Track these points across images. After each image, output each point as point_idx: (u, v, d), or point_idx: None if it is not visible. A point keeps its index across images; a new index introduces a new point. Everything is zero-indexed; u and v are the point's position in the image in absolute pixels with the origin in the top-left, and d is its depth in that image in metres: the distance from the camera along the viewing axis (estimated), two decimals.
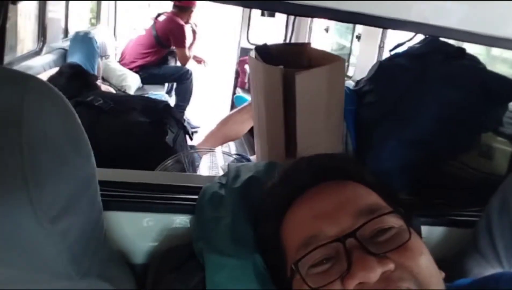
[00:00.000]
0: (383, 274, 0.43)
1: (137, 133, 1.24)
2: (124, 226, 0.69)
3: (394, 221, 0.49)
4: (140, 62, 3.26)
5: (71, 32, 2.74)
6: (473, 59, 0.96)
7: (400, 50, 1.13)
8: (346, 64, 2.84)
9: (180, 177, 1.00)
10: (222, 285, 0.57)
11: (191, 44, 3.50)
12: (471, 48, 1.01)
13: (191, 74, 3.49)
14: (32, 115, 0.42)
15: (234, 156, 1.49)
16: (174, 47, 3.42)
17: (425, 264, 0.46)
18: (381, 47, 2.34)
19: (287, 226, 0.55)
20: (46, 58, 2.23)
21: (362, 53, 2.59)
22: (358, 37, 2.67)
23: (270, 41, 1.22)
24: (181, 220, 0.71)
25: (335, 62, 0.93)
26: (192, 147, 1.50)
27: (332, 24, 3.42)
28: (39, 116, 0.43)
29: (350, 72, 2.72)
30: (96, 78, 1.72)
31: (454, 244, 0.78)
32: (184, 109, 3.49)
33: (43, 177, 0.43)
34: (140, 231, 0.70)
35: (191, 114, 3.61)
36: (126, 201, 0.69)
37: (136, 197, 0.71)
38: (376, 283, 0.43)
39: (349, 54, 2.89)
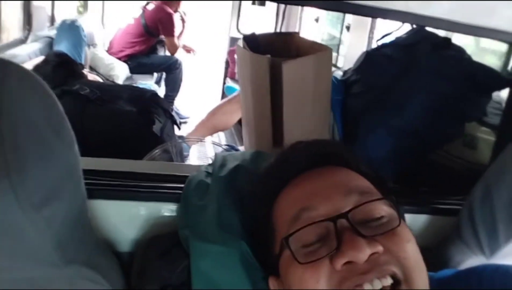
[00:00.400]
0: (371, 256, 0.44)
1: (124, 122, 1.23)
2: (110, 214, 0.69)
3: (385, 209, 0.50)
4: (128, 51, 3.22)
5: (58, 20, 2.69)
6: (459, 50, 0.97)
7: (387, 40, 1.13)
8: (336, 54, 2.84)
9: (166, 166, 1.00)
10: (207, 272, 0.57)
11: (180, 33, 3.47)
12: (461, 40, 1.02)
13: (180, 64, 3.45)
14: (12, 101, 0.42)
15: (224, 147, 1.49)
16: (163, 36, 3.38)
17: (412, 251, 0.47)
18: (370, 38, 2.35)
19: (279, 205, 0.55)
20: (31, 47, 2.19)
21: (352, 43, 2.59)
22: (348, 28, 2.68)
23: (260, 31, 1.21)
24: (167, 209, 0.71)
25: (322, 51, 0.93)
26: (180, 137, 1.50)
27: (323, 14, 3.42)
28: (20, 101, 0.42)
29: (340, 63, 2.72)
30: (82, 67, 1.70)
31: (437, 232, 0.80)
32: (174, 99, 3.46)
33: (25, 163, 0.43)
34: (126, 220, 0.70)
35: (180, 104, 3.59)
36: (111, 189, 0.69)
37: (122, 185, 0.70)
38: (364, 264, 0.44)
39: (339, 45, 2.89)
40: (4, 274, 0.52)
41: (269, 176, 0.59)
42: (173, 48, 3.40)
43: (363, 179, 0.55)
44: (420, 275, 0.46)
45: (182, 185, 0.72)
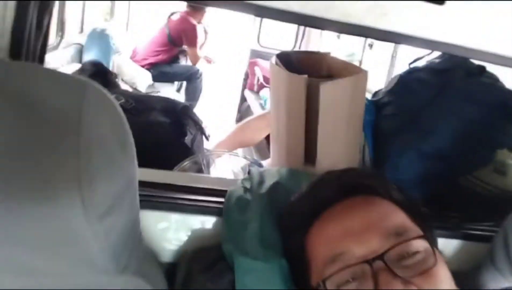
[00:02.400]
0: None
1: (157, 133, 1.27)
2: (152, 224, 0.72)
3: (421, 245, 0.51)
4: (152, 60, 3.29)
5: (86, 27, 2.76)
6: (492, 77, 0.98)
7: (419, 63, 1.15)
8: None
9: (203, 179, 1.03)
10: (251, 287, 0.59)
11: (202, 44, 3.53)
12: None
13: (201, 74, 3.52)
14: (89, 120, 0.44)
15: (247, 161, 1.51)
16: (185, 46, 3.45)
17: None
18: (393, 57, 2.37)
19: (315, 238, 0.57)
20: (63, 53, 2.26)
21: (374, 61, 2.62)
22: (371, 46, 2.70)
23: (281, 44, 1.23)
24: (207, 221, 0.73)
25: (358, 73, 0.95)
26: (207, 150, 1.52)
27: None
28: (96, 121, 0.45)
29: None
30: (116, 76, 1.75)
31: (469, 257, 0.80)
32: (193, 108, 3.51)
33: (95, 178, 0.45)
34: (167, 231, 0.72)
35: (198, 113, 3.63)
36: (153, 201, 0.71)
37: (163, 197, 0.73)
38: None
39: (360, 62, 2.91)
40: (61, 279, 0.55)
41: (300, 207, 0.61)
42: (195, 58, 3.47)
43: (397, 211, 0.56)
44: None
45: (220, 199, 0.74)
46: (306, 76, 0.94)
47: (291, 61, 1.19)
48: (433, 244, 0.54)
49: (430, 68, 1.04)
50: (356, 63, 2.94)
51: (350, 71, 1.02)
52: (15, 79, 0.43)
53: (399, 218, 0.54)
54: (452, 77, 0.98)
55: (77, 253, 0.51)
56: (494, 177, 0.99)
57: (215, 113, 3.81)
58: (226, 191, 0.75)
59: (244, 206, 0.71)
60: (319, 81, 0.90)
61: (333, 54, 1.07)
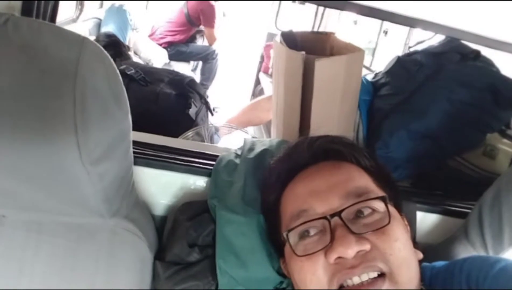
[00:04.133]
0: (359, 252, 0.51)
1: (163, 103, 1.33)
2: (148, 181, 0.78)
3: (378, 205, 0.55)
4: (169, 39, 3.34)
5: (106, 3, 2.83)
6: (487, 62, 1.00)
7: (420, 47, 1.17)
8: (371, 58, 2.87)
9: (200, 145, 1.08)
10: (229, 237, 0.65)
11: (220, 25, 3.56)
12: None
13: (217, 55, 3.56)
14: (85, 71, 0.50)
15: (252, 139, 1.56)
16: (202, 27, 3.49)
17: (398, 249, 0.52)
18: (406, 44, 2.37)
19: (286, 197, 0.62)
20: (81, 26, 2.33)
21: (388, 47, 2.62)
22: (386, 32, 2.70)
23: (298, 29, 1.26)
24: (198, 181, 0.79)
25: (354, 52, 0.98)
26: (211, 123, 1.58)
27: (361, 17, 3.42)
28: (91, 72, 0.51)
29: (374, 66, 2.74)
30: (129, 48, 1.81)
31: (445, 232, 0.84)
32: (207, 88, 3.56)
33: (90, 124, 0.51)
34: (162, 187, 0.78)
35: (212, 94, 3.68)
36: (152, 159, 0.78)
37: (161, 157, 0.79)
38: (353, 260, 0.50)
39: (375, 48, 2.90)
40: (59, 217, 0.62)
41: (277, 169, 0.66)
42: (212, 39, 3.50)
43: (363, 175, 0.60)
44: (406, 271, 0.51)
45: (213, 162, 0.79)
46: (303, 52, 0.98)
47: (295, 41, 1.22)
48: (397, 206, 0.59)
49: (427, 51, 1.07)
50: (371, 49, 2.93)
51: (350, 51, 1.05)
52: (21, 32, 0.48)
53: (362, 181, 0.58)
54: (447, 60, 1.00)
55: (74, 193, 0.58)
56: (482, 160, 1.01)
57: (229, 95, 3.86)
58: (217, 156, 0.81)
59: (233, 169, 0.76)
60: (315, 57, 0.94)
61: (351, 41, 1.09)
